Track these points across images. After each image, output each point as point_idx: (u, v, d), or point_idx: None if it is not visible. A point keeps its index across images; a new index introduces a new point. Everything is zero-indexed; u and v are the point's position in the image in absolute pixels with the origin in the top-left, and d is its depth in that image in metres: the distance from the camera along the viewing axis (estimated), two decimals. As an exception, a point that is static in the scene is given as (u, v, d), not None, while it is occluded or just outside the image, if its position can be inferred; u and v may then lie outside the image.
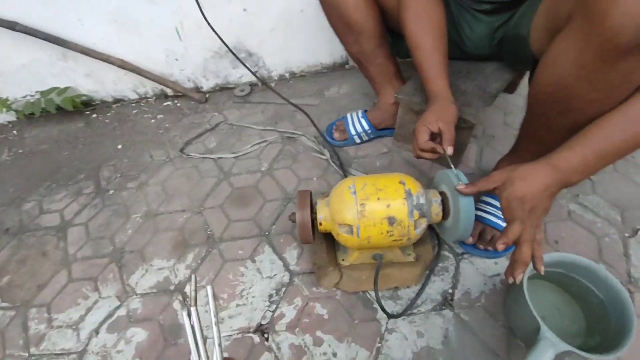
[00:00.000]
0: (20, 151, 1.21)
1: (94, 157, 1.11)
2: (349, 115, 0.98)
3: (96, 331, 0.69)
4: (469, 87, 0.81)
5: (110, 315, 0.71)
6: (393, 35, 0.88)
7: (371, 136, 0.98)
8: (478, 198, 0.75)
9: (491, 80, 0.82)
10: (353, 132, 0.95)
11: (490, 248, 0.69)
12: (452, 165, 0.61)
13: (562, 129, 0.54)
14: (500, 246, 0.46)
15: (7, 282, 0.81)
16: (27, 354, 0.68)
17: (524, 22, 0.67)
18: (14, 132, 1.32)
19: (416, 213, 0.56)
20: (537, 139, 0.61)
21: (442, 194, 0.62)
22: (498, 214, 0.70)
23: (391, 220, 0.55)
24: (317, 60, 1.29)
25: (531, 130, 0.61)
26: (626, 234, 0.73)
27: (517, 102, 1.10)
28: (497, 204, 0.71)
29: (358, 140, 0.97)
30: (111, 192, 0.98)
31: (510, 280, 0.48)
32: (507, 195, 0.48)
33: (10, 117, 1.35)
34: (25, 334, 0.71)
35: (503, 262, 0.70)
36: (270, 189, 0.90)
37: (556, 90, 0.51)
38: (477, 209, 0.72)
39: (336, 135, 0.98)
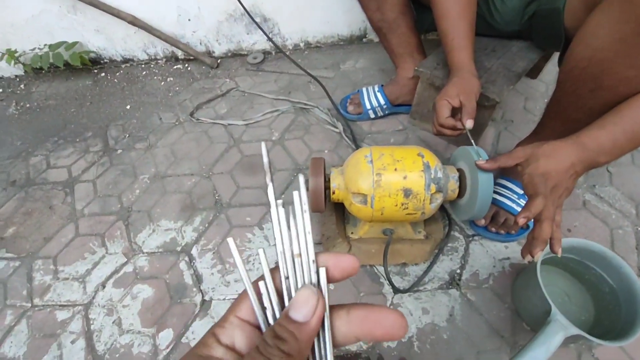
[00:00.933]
0: (28, 105, 1.19)
1: (102, 115, 1.09)
2: (364, 89, 0.95)
3: (102, 285, 0.70)
4: (494, 65, 0.78)
5: (116, 271, 0.71)
6: (416, 7, 0.84)
7: (386, 112, 0.95)
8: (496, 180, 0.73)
9: (517, 59, 0.79)
10: (368, 106, 0.93)
11: (502, 231, 0.68)
12: (472, 141, 0.59)
13: (591, 109, 0.52)
14: (521, 220, 0.45)
15: (13, 234, 0.81)
16: (29, 304, 0.69)
17: None
18: (21, 86, 1.29)
19: (433, 187, 0.54)
20: (565, 119, 0.58)
21: (459, 170, 0.60)
22: (513, 197, 0.69)
23: (407, 192, 0.54)
24: (334, 31, 1.24)
25: (560, 109, 0.59)
26: (639, 227, 0.71)
27: (539, 88, 1.06)
28: (513, 186, 0.70)
29: (373, 115, 0.95)
30: (119, 151, 0.96)
31: (528, 259, 0.47)
32: (531, 171, 0.47)
33: (18, 70, 1.32)
34: (29, 285, 0.72)
35: (513, 246, 0.69)
36: (281, 159, 0.88)
37: (591, 65, 0.48)
38: None
39: (350, 108, 0.95)
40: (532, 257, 0.46)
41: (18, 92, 1.27)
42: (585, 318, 0.58)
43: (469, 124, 0.58)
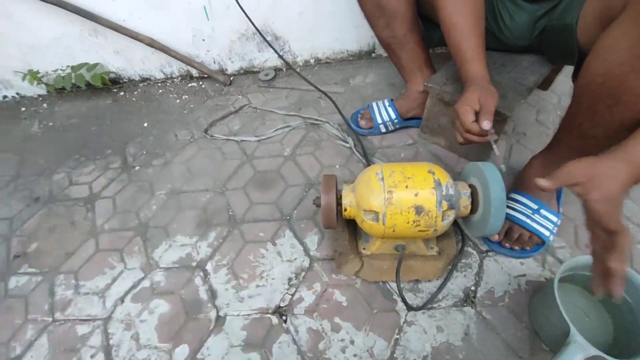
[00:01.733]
0: (51, 124, 1.25)
1: (121, 133, 1.14)
2: (374, 104, 0.96)
3: (121, 300, 0.71)
4: (504, 79, 0.78)
5: (134, 286, 0.73)
6: (425, 23, 0.86)
7: (397, 126, 0.96)
8: (508, 193, 0.73)
9: (528, 73, 0.79)
10: (379, 120, 0.94)
11: (516, 247, 0.67)
12: (495, 147, 0.57)
13: (608, 125, 0.51)
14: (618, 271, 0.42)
15: (36, 249, 0.84)
16: (51, 319, 0.71)
17: (572, 10, 0.63)
18: (44, 105, 1.35)
19: (445, 204, 0.55)
20: (581, 135, 0.57)
21: (471, 186, 0.60)
22: (527, 212, 0.68)
23: (418, 210, 0.54)
24: (344, 47, 1.27)
25: (575, 124, 0.58)
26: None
27: (551, 100, 1.06)
28: (527, 201, 0.69)
29: (384, 130, 0.95)
30: (137, 168, 1.00)
31: (601, 296, 0.44)
32: (602, 197, 0.41)
33: (41, 90, 1.39)
34: (51, 299, 0.74)
35: (529, 263, 0.68)
36: (293, 174, 0.90)
37: (607, 80, 0.48)
38: None
39: (362, 123, 0.96)
40: (613, 295, 0.43)
41: (41, 111, 1.33)
42: (604, 339, 0.57)
43: (486, 125, 0.57)
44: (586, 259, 0.55)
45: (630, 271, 0.53)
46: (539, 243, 0.68)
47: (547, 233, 0.67)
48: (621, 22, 0.45)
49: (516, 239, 0.68)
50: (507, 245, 0.68)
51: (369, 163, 0.89)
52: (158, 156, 1.02)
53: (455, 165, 0.89)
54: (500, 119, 0.73)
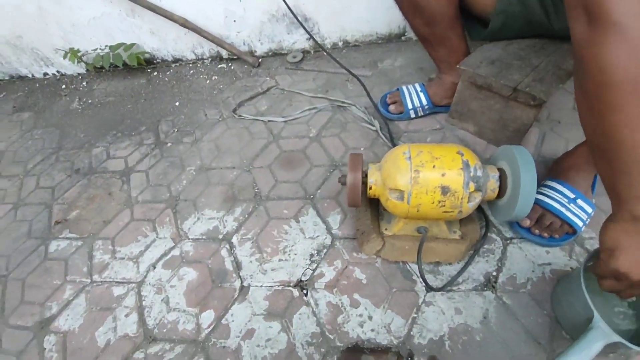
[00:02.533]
0: (90, 101, 1.32)
1: (154, 111, 1.19)
2: (405, 88, 0.94)
3: (153, 266, 0.76)
4: (543, 63, 0.75)
5: (165, 254, 0.78)
6: (465, 16, 0.81)
7: (427, 112, 0.94)
8: (539, 182, 0.70)
9: (569, 57, 0.75)
10: (410, 106, 0.92)
11: (545, 234, 0.66)
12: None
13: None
14: None
15: (76, 216, 0.91)
16: (89, 280, 0.77)
17: None
18: (84, 83, 1.43)
19: (472, 185, 0.54)
20: None
21: (500, 170, 0.59)
22: (563, 201, 0.66)
23: (445, 190, 0.54)
24: (373, 29, 1.24)
25: None
26: None
27: (592, 87, 1.00)
28: (564, 189, 0.66)
29: (413, 115, 0.94)
30: (169, 144, 1.04)
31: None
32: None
33: (81, 69, 1.47)
34: (89, 262, 0.80)
35: (555, 252, 0.67)
36: (318, 155, 0.91)
37: None
38: (539, 192, 0.68)
39: (392, 107, 0.95)
40: None
41: (81, 88, 1.41)
42: (626, 328, 0.55)
43: None
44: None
45: None
46: (569, 232, 0.66)
47: (580, 223, 0.65)
48: None
49: (547, 226, 0.66)
50: (536, 231, 0.66)
51: (394, 146, 0.88)
52: (188, 134, 1.06)
53: (484, 152, 0.87)
54: (535, 103, 0.71)
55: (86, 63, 1.40)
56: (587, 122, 0.44)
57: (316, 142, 0.95)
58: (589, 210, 0.66)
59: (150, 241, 0.81)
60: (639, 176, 0.40)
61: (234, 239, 0.78)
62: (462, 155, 0.56)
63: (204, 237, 0.79)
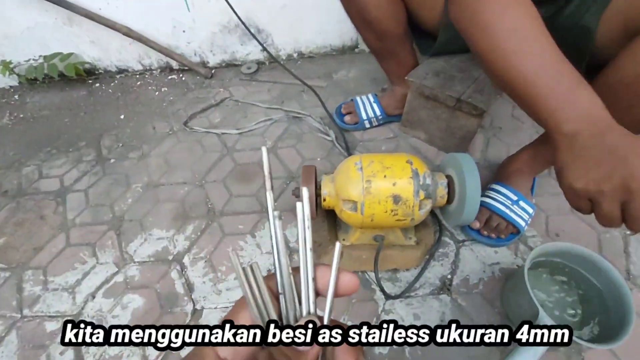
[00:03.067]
0: (22, 116, 1.19)
1: (96, 125, 1.10)
2: (359, 99, 0.96)
3: (92, 295, 0.69)
4: (482, 75, 0.80)
5: (107, 281, 0.71)
6: (416, 33, 0.84)
7: (381, 122, 0.97)
8: (486, 185, 0.74)
9: (504, 68, 0.81)
10: (365, 116, 0.94)
11: (493, 235, 0.69)
12: None
13: (623, 124, 0.51)
14: None
15: (4, 244, 0.80)
16: (19, 315, 0.68)
17: (590, 13, 0.59)
18: (16, 96, 1.29)
19: (422, 193, 0.55)
20: None
21: (448, 177, 0.61)
22: (507, 203, 0.70)
23: (396, 199, 0.55)
24: (327, 41, 1.26)
25: None
26: (627, 232, 0.73)
27: (527, 96, 1.09)
28: (507, 192, 0.70)
29: (368, 125, 0.96)
30: (112, 160, 0.96)
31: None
32: None
33: (13, 81, 1.33)
34: (19, 295, 0.71)
35: (503, 251, 0.70)
36: (273, 167, 0.89)
37: (636, 82, 0.47)
38: (485, 195, 0.71)
39: (347, 118, 0.96)
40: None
41: (12, 102, 1.27)
42: (574, 321, 0.59)
43: None
44: (554, 245, 0.57)
45: (596, 256, 0.56)
46: (514, 232, 0.70)
47: (522, 223, 0.69)
48: None
49: (494, 227, 0.69)
50: (485, 233, 0.69)
51: (350, 155, 0.89)
52: (135, 149, 0.99)
53: (435, 158, 0.90)
54: (477, 113, 0.75)
55: (18, 75, 1.27)
56: (492, 79, 0.49)
57: (272, 153, 0.93)
58: (530, 210, 0.70)
59: (89, 268, 0.73)
60: (551, 99, 0.41)
61: (185, 259, 0.73)
62: (412, 164, 0.57)
63: (151, 259, 0.74)
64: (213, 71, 1.28)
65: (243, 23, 1.12)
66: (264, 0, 1.13)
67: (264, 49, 1.15)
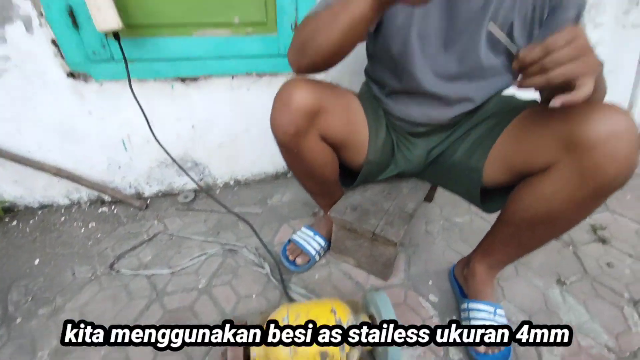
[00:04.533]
0: None
1: (5, 275, 0.99)
2: (297, 237, 1.01)
3: None
4: (391, 207, 0.93)
5: None
6: (343, 169, 0.92)
7: (327, 249, 1.03)
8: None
9: (408, 199, 0.96)
10: (313, 252, 0.98)
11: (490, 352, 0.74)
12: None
13: (545, 234, 0.66)
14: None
15: None
16: None
17: (476, 157, 0.75)
18: None
19: (347, 347, 0.58)
20: (520, 244, 0.72)
21: (371, 317, 0.66)
22: (489, 317, 0.78)
23: (323, 356, 0.57)
24: (262, 170, 1.39)
25: (515, 238, 0.71)
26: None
27: (435, 211, 1.27)
28: (484, 307, 0.79)
29: (318, 258, 1.00)
30: (18, 320, 0.85)
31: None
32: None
33: None
34: None
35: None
36: (207, 310, 0.86)
37: (549, 215, 0.60)
38: (468, 318, 0.80)
39: (299, 260, 0.97)
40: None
41: None
42: None
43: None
44: None
45: None
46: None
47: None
48: (555, 178, 0.57)
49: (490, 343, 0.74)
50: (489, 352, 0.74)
51: (285, 289, 0.91)
52: (46, 302, 0.89)
53: (365, 282, 0.96)
54: (390, 244, 0.85)
55: None
56: (335, 51, 0.60)
57: (206, 294, 0.91)
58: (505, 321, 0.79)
59: None
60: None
61: None
62: (335, 313, 0.61)
63: None
64: (148, 201, 1.29)
65: (178, 164, 1.19)
66: (201, 139, 1.25)
67: (197, 184, 1.20)
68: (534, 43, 0.45)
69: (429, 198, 1.30)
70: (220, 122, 1.24)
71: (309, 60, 0.61)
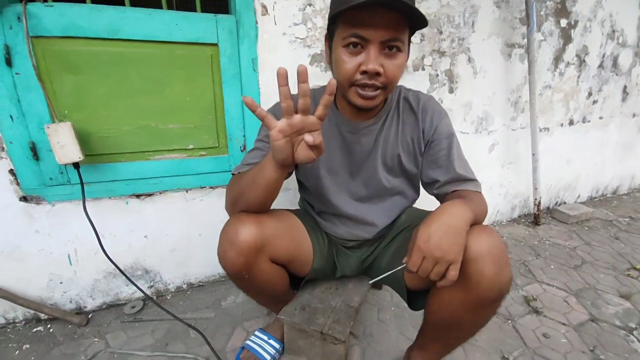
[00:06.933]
0: None
1: None
2: (251, 343, 1.01)
3: None
4: (337, 303, 0.99)
5: None
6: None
7: (281, 352, 1.02)
8: None
9: (353, 294, 1.03)
10: (269, 357, 0.98)
11: None
12: None
13: (464, 333, 0.78)
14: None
15: None
16: None
17: (396, 264, 0.79)
18: None
19: None
20: (447, 342, 0.84)
21: None
22: None
23: None
24: (215, 270, 1.41)
25: (441, 336, 0.82)
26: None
27: (386, 297, 1.34)
28: None
29: None
30: None
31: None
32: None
33: None
34: None
35: None
36: None
37: (452, 318, 0.73)
38: None
39: None
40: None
41: None
42: None
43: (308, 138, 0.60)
44: None
45: None
46: None
47: None
48: (451, 291, 0.69)
49: None
50: None
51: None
52: None
53: (319, 386, 0.95)
54: (339, 342, 0.89)
55: None
56: (258, 201, 0.75)
57: (148, 422, 0.84)
58: None
59: None
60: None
61: None
62: None
63: None
64: (90, 316, 1.22)
65: (125, 275, 1.16)
66: (152, 247, 1.26)
67: (144, 293, 1.16)
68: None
69: (378, 286, 1.37)
70: (174, 230, 1.28)
71: (243, 210, 0.76)
